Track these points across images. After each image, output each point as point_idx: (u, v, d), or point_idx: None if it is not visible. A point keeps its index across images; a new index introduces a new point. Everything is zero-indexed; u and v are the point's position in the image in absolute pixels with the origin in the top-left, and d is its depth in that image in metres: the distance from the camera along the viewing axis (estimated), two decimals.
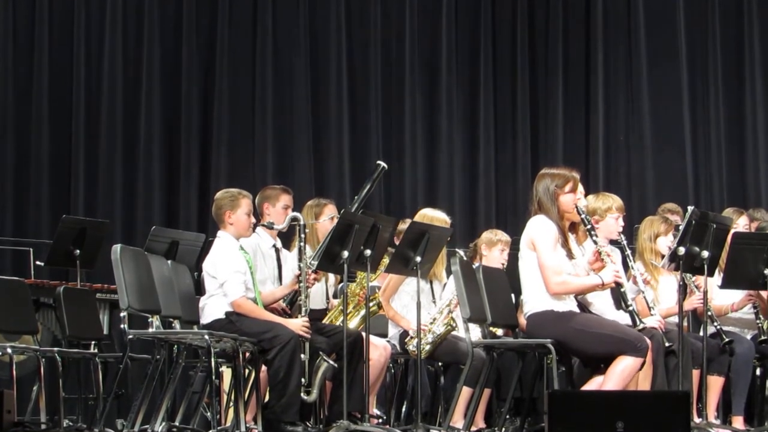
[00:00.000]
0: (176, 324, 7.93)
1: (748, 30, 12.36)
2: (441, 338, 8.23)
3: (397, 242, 8.14)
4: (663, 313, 7.99)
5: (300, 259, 7.85)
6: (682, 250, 7.49)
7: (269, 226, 8.14)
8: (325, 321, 8.24)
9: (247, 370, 7.95)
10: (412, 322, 8.03)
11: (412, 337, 8.13)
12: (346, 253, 7.53)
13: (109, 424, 8.55)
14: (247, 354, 7.83)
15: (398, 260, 7.74)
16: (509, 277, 8.14)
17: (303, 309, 7.77)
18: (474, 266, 7.98)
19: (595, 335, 7.14)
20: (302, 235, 7.90)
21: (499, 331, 8.41)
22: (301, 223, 7.95)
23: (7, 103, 11.67)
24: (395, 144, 12.30)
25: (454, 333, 8.28)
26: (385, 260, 8.10)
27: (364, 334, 7.68)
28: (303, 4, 12.23)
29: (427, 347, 8.17)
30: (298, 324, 7.67)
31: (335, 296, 8.59)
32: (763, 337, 8.26)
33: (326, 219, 8.42)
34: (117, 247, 7.71)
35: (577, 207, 7.32)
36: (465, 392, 8.17)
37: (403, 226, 8.37)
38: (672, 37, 12.37)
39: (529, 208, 7.41)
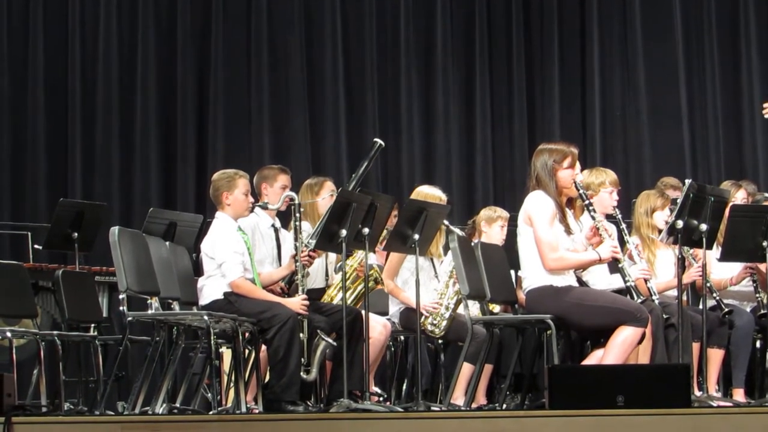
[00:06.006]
0: (175, 305, 7.93)
1: (744, 2, 12.32)
2: (455, 311, 8.24)
3: (389, 225, 8.13)
4: (661, 287, 7.99)
5: (296, 239, 7.84)
6: (680, 224, 7.47)
7: (263, 206, 8.12)
8: (324, 297, 8.25)
9: (246, 351, 7.95)
10: (411, 297, 8.02)
11: (426, 317, 8.15)
12: (344, 232, 7.51)
13: (110, 407, 8.55)
14: (247, 334, 7.82)
15: (396, 238, 7.72)
16: (508, 253, 8.14)
17: (300, 288, 7.76)
18: (473, 243, 7.97)
19: (595, 308, 7.14)
20: (297, 215, 7.89)
21: (497, 308, 8.42)
22: (297, 202, 7.93)
23: (3, 86, 11.63)
24: (391, 123, 12.25)
25: None
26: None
27: (363, 312, 7.68)
28: None
29: (444, 323, 8.21)
30: (296, 302, 7.67)
31: (336, 272, 8.56)
32: (763, 311, 8.27)
33: (326, 196, 8.41)
34: (115, 230, 7.70)
35: (575, 182, 7.31)
36: (465, 369, 8.18)
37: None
38: (667, 10, 12.32)
39: (527, 183, 7.40)
